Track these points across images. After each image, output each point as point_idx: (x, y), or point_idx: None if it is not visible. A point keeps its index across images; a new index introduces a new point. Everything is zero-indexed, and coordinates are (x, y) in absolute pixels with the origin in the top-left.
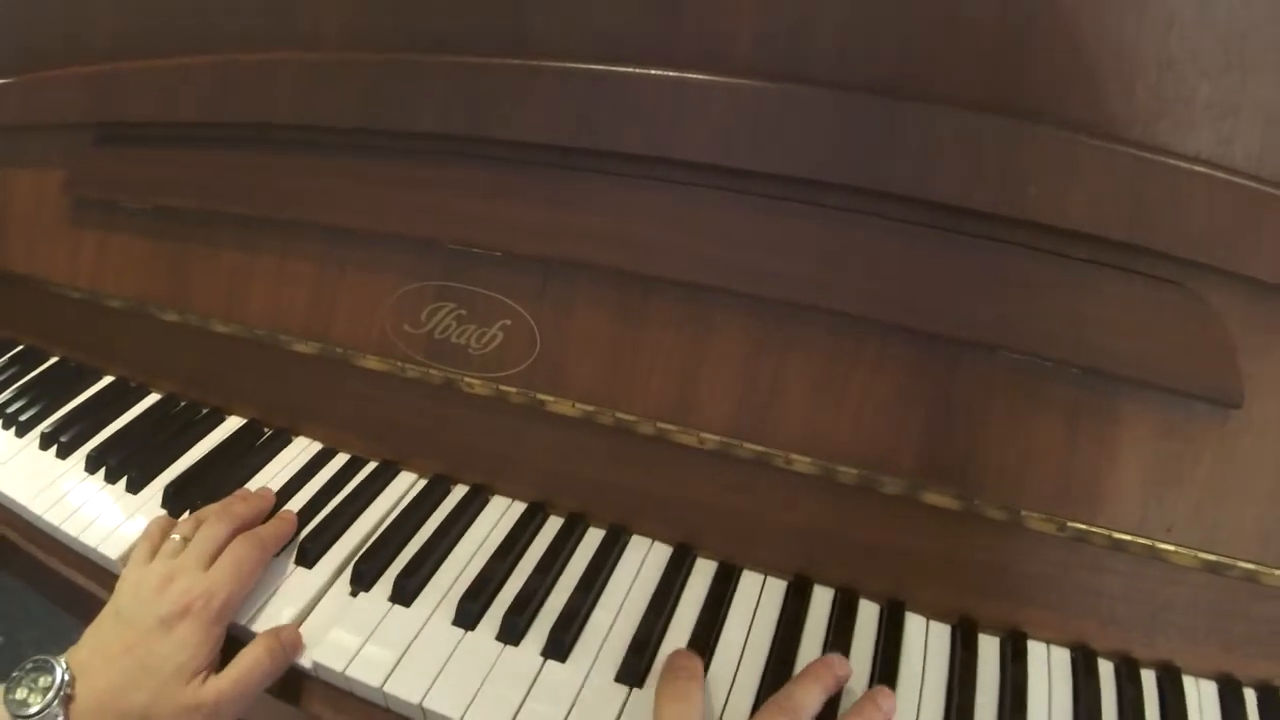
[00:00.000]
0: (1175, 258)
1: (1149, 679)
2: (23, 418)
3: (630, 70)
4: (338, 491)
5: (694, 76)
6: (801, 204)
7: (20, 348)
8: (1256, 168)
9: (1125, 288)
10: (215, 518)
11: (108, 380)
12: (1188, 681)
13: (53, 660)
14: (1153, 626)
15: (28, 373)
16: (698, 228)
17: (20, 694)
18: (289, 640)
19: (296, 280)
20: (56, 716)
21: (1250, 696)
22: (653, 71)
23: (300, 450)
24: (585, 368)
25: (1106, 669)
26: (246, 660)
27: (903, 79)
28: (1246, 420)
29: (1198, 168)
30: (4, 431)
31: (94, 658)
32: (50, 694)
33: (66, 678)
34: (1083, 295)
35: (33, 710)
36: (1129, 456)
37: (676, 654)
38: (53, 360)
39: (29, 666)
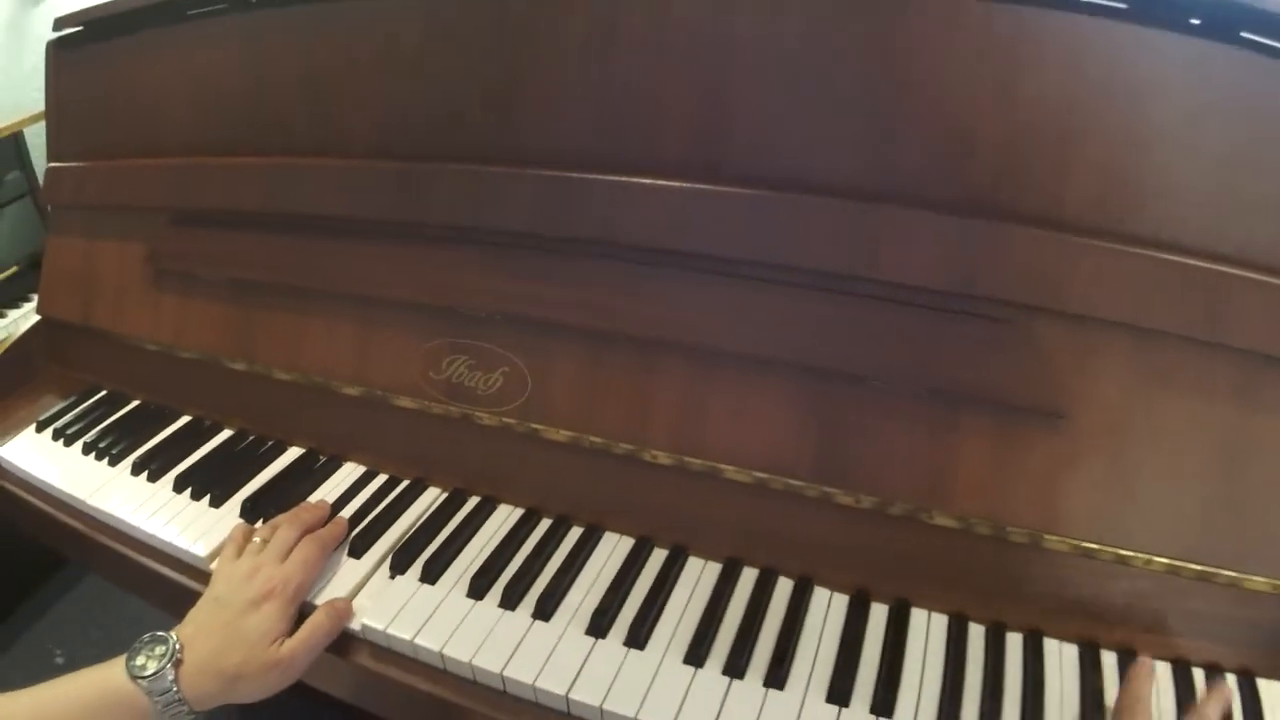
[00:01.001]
0: (1005, 300)
1: (1015, 642)
2: (114, 451)
3: (587, 175)
4: (379, 503)
5: (635, 180)
6: (718, 275)
7: (104, 392)
8: (1076, 220)
9: (963, 326)
10: (287, 524)
11: (185, 419)
12: (1050, 644)
13: (166, 634)
14: (1018, 598)
15: (113, 414)
16: (643, 294)
17: (139, 660)
18: (343, 609)
19: (343, 337)
20: (169, 676)
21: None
22: (606, 176)
23: (349, 473)
24: (565, 403)
25: (978, 632)
26: (311, 625)
27: (795, 180)
28: (1072, 427)
29: (1023, 226)
30: (97, 462)
31: (198, 631)
32: (165, 659)
33: (177, 646)
34: (930, 334)
35: (150, 672)
36: (972, 458)
37: None
38: (135, 403)
39: (146, 639)
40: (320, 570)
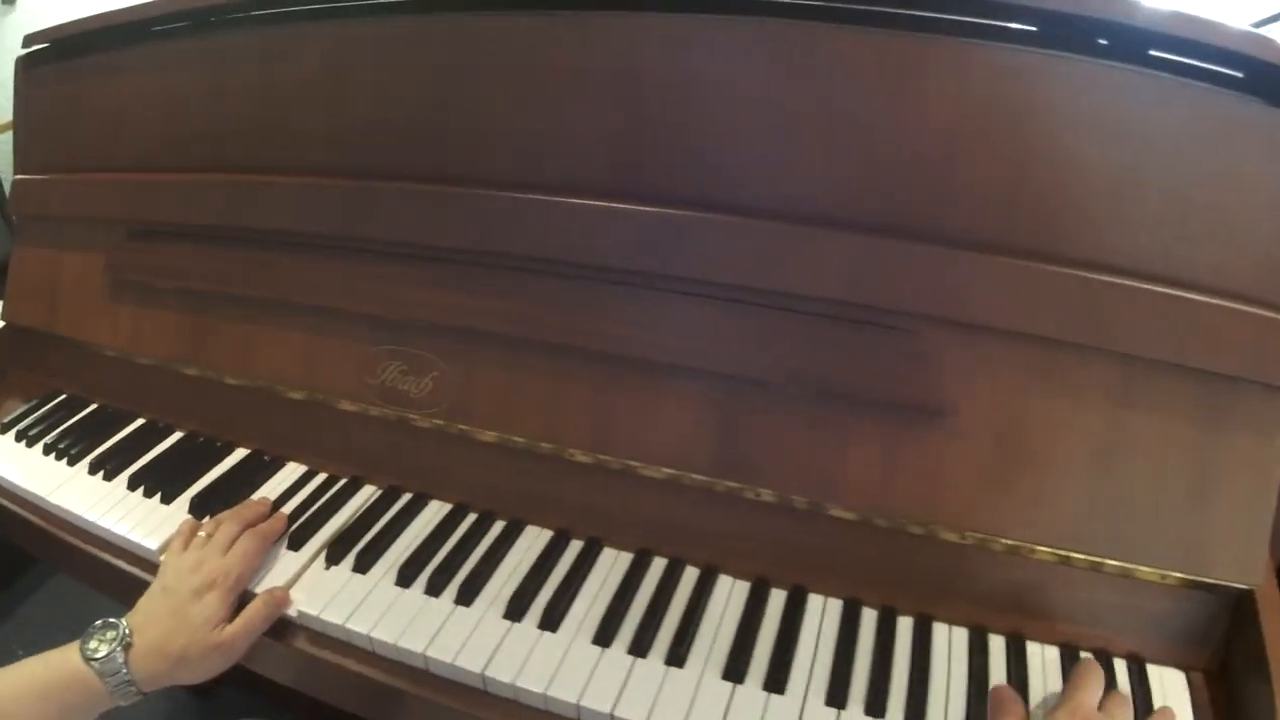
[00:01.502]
0: (893, 309)
1: (905, 625)
2: (73, 451)
3: (513, 195)
4: (317, 500)
5: (557, 200)
6: (630, 286)
7: (64, 396)
8: (961, 235)
9: (855, 333)
10: (230, 519)
11: (140, 422)
12: (940, 628)
13: (117, 620)
14: (911, 585)
15: (73, 416)
16: (560, 304)
17: (92, 644)
18: (280, 597)
19: (288, 345)
20: (119, 658)
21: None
22: (529, 196)
23: (291, 472)
24: (489, 405)
25: (871, 616)
26: (250, 611)
27: (702, 200)
28: (957, 425)
29: (912, 242)
30: (57, 462)
31: (146, 618)
32: (115, 643)
33: (127, 631)
34: (825, 340)
35: (101, 655)
36: (863, 455)
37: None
38: (94, 407)
39: (99, 625)
40: (260, 562)
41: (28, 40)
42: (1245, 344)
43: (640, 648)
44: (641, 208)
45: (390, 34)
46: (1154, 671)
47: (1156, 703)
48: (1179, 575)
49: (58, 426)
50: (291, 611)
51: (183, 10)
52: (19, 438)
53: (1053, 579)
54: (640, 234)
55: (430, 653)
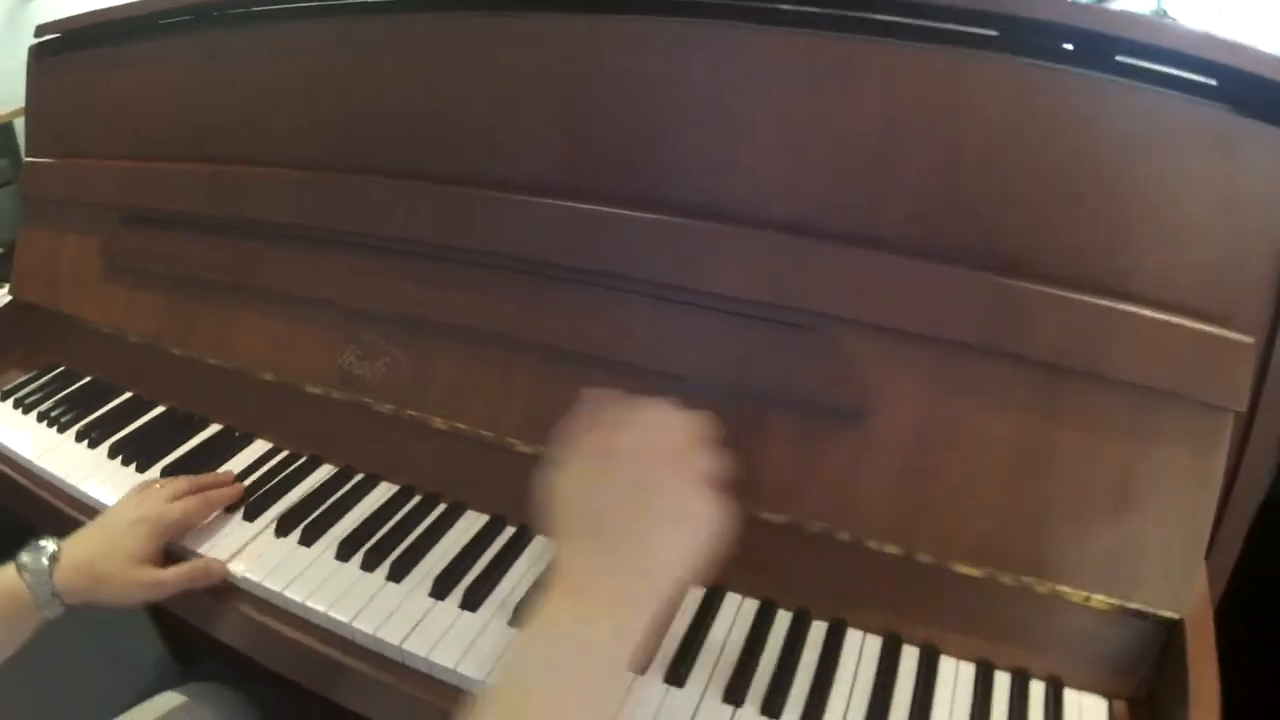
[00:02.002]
0: (813, 311)
1: (819, 630)
2: (63, 419)
3: (468, 190)
4: (276, 476)
5: (510, 196)
6: (570, 283)
7: (61, 369)
8: (883, 238)
9: (771, 334)
10: (185, 478)
11: (127, 396)
12: (853, 634)
13: (50, 539)
14: (826, 589)
15: (67, 387)
16: (507, 298)
17: (25, 557)
18: (216, 567)
19: (262, 329)
20: (46, 570)
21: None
22: (488, 192)
23: (257, 448)
24: (436, 394)
25: (785, 617)
26: (186, 566)
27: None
28: (872, 429)
29: (831, 244)
30: (48, 429)
31: (79, 540)
32: (45, 556)
33: (56, 549)
34: (744, 340)
35: (29, 564)
36: (779, 454)
37: None
38: (86, 380)
39: (36, 543)
40: (200, 520)
41: (40, 30)
42: (1180, 359)
43: None
44: (582, 206)
45: (357, 34)
46: (1072, 697)
47: None
48: (1101, 598)
49: (52, 396)
50: (238, 576)
51: (186, 6)
52: (16, 404)
53: (969, 592)
54: (579, 231)
55: (356, 623)
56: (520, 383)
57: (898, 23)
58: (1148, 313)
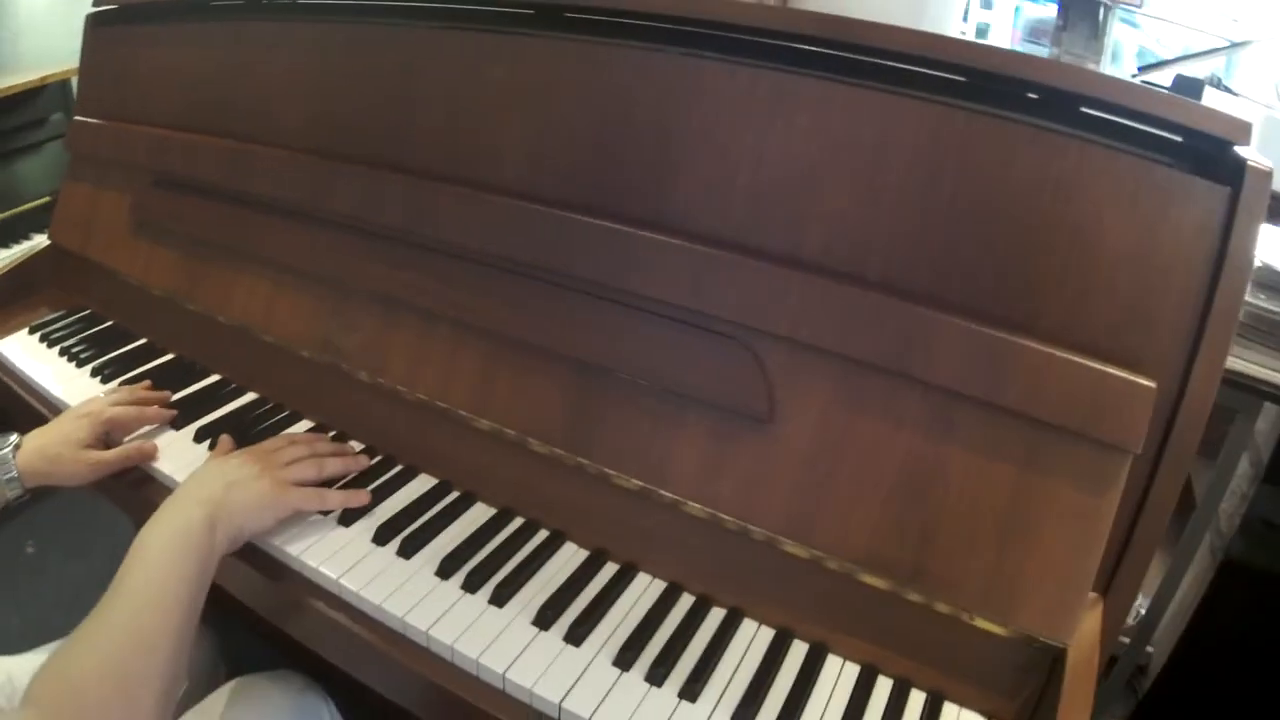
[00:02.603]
0: (732, 320)
1: (718, 614)
2: (82, 356)
3: (437, 185)
4: (260, 424)
5: (476, 194)
6: (520, 275)
7: (88, 311)
8: (791, 253)
9: (695, 336)
10: (126, 389)
11: (142, 342)
12: (748, 624)
13: (15, 434)
14: (725, 578)
15: (90, 329)
16: (463, 284)
17: None
18: (148, 449)
19: (261, 293)
20: (10, 454)
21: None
22: (453, 188)
23: (247, 398)
24: (398, 363)
25: (688, 600)
26: (116, 450)
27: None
28: (776, 433)
29: (750, 259)
30: (68, 364)
31: (36, 433)
32: (8, 446)
33: (18, 439)
34: (669, 342)
35: None
36: (691, 448)
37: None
38: (109, 323)
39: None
40: (133, 422)
41: (97, 0)
42: (1078, 396)
43: (471, 586)
44: (538, 208)
45: (359, 37)
46: (950, 711)
47: None
48: (979, 617)
49: (76, 335)
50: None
51: None
52: (43, 339)
53: (860, 598)
54: (533, 231)
55: (303, 557)
56: (469, 360)
57: (824, 62)
58: (1049, 349)
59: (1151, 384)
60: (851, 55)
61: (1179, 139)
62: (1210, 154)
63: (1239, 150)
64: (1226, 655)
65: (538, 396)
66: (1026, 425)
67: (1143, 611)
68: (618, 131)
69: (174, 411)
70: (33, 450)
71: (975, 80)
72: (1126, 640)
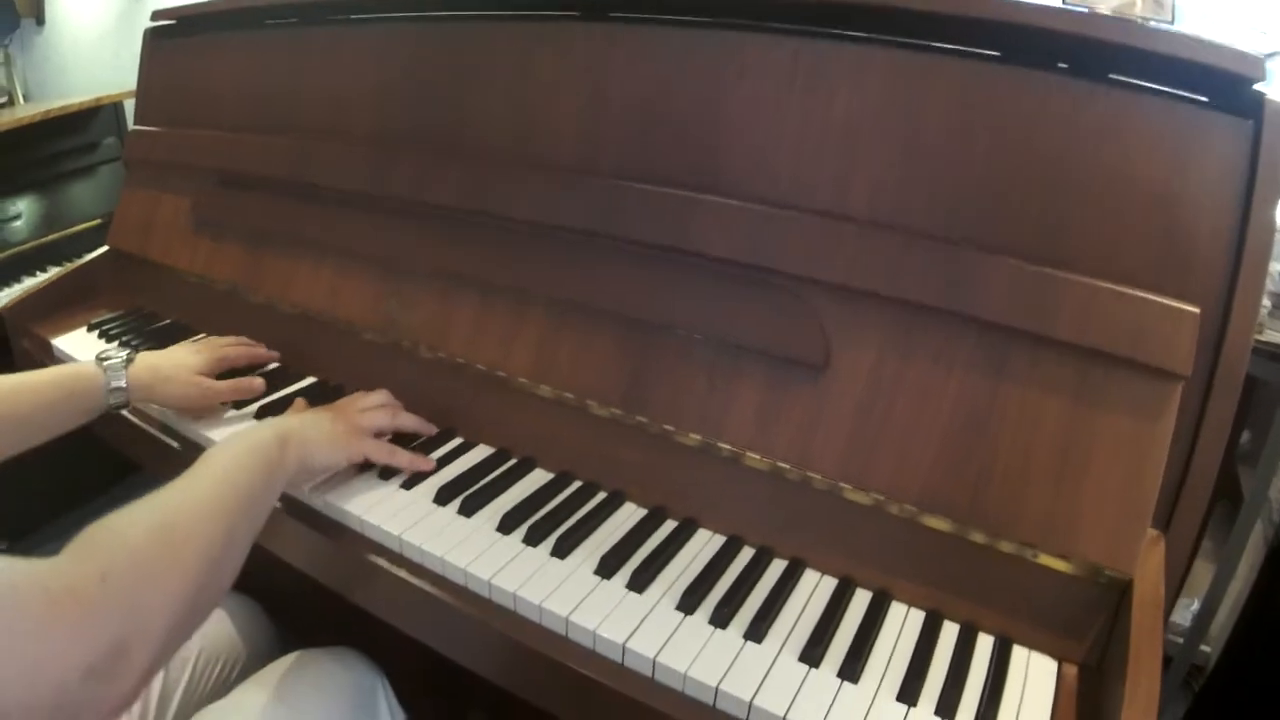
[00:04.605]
0: (786, 273)
1: (779, 565)
2: (133, 344)
3: (493, 167)
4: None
5: (530, 171)
6: (577, 245)
7: (146, 310)
8: (839, 209)
9: (751, 290)
10: (235, 338)
11: (200, 336)
12: (809, 574)
13: (131, 350)
14: (788, 529)
15: (147, 326)
16: (520, 257)
17: (107, 353)
18: (255, 383)
19: (323, 279)
20: (121, 365)
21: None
22: (506, 168)
23: (306, 380)
24: (462, 338)
25: (749, 552)
26: (229, 381)
27: (632, 173)
28: (833, 379)
29: (799, 213)
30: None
31: (152, 353)
32: (123, 355)
33: (134, 355)
34: (723, 295)
35: (110, 359)
36: (748, 399)
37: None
38: (166, 321)
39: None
40: (217, 366)
41: (155, 15)
42: (1124, 324)
43: (533, 539)
44: (595, 180)
45: (412, 35)
46: (1020, 654)
47: (1012, 687)
48: (1042, 554)
49: (132, 331)
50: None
51: (288, 5)
52: (100, 335)
53: (923, 542)
54: (589, 200)
55: (366, 516)
56: (527, 330)
57: (861, 28)
58: (1093, 280)
59: (1194, 309)
60: (885, 18)
61: (1200, 79)
62: (1230, 91)
63: (1257, 87)
64: None
65: (597, 360)
66: (1076, 357)
67: (1195, 609)
68: (668, 108)
69: (277, 353)
70: (146, 366)
71: (1006, 36)
72: (1180, 640)
